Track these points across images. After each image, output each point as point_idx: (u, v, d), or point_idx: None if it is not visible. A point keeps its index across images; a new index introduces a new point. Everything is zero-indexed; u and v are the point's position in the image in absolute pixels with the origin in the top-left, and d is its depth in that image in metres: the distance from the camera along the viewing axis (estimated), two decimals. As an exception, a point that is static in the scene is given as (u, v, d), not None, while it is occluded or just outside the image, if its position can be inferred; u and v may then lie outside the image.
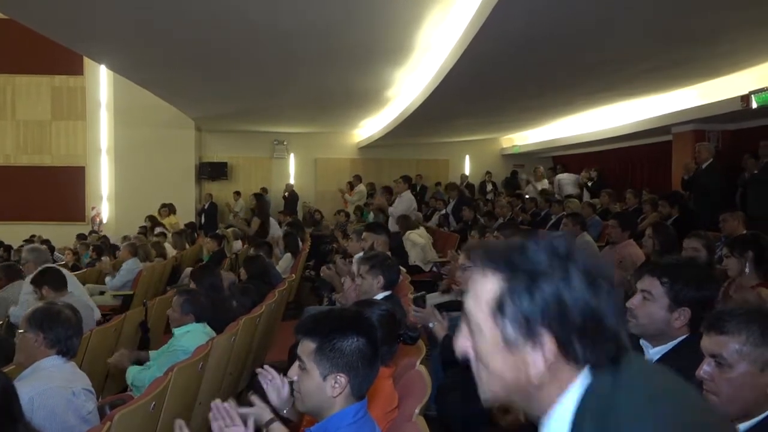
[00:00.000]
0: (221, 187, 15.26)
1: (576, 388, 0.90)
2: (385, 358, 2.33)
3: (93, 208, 14.67)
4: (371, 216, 9.96)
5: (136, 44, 7.81)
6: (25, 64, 14.39)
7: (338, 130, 15.77)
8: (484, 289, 0.93)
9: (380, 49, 7.75)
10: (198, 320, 3.67)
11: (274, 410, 1.97)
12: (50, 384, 2.40)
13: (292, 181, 15.76)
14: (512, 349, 0.91)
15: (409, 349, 2.83)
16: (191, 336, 3.56)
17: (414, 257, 7.58)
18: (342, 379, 1.66)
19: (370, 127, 14.93)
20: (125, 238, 10.22)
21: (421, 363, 2.53)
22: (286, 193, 14.95)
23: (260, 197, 11.83)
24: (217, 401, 1.86)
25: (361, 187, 13.85)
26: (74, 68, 14.49)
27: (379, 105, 11.99)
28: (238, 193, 14.43)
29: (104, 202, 14.73)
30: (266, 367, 2.01)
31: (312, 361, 1.69)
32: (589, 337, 0.88)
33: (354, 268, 3.90)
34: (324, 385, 1.67)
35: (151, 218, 11.81)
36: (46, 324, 2.49)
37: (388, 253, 4.82)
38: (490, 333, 0.92)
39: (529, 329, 0.89)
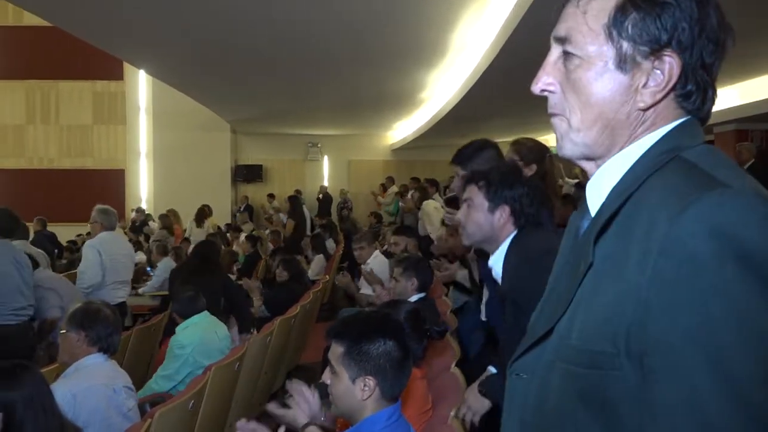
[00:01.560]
0: (256, 189, 15.45)
1: (662, 131, 0.82)
2: (416, 357, 2.33)
3: (133, 210, 15.00)
4: (397, 209, 9.97)
5: (174, 49, 7.96)
6: (68, 70, 14.78)
7: (371, 132, 15.81)
8: (596, 5, 0.82)
9: (414, 51, 7.74)
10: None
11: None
12: (92, 381, 2.45)
13: (326, 182, 15.85)
14: (625, 69, 0.80)
15: (443, 351, 2.82)
16: (190, 331, 3.61)
17: (430, 229, 7.54)
18: (370, 382, 1.66)
19: (403, 128, 14.92)
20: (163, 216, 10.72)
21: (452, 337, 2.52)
22: (320, 195, 15.05)
23: (294, 199, 11.93)
24: (242, 421, 1.89)
25: (394, 189, 13.85)
26: (115, 73, 14.84)
27: (413, 106, 11.98)
28: (272, 196, 14.59)
29: (143, 204, 15.02)
30: (292, 385, 2.02)
31: (341, 364, 1.70)
32: (707, 79, 0.81)
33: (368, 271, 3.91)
34: (353, 389, 1.68)
35: (199, 212, 12.03)
36: (87, 323, 2.55)
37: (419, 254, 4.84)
38: (599, 53, 0.81)
39: (654, 45, 0.79)
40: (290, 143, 15.82)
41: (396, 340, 1.70)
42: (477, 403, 2.05)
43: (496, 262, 1.96)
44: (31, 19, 12.27)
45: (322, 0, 5.97)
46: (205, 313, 3.84)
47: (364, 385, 1.66)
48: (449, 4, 6.07)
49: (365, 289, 5.08)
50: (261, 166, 15.80)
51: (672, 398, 0.68)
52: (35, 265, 4.51)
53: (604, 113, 0.82)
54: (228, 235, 10.59)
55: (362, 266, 5.23)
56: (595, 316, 0.75)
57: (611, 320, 0.73)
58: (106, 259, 4.94)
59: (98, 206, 5.36)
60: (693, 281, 0.68)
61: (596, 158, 0.85)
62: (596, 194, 0.85)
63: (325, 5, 6.07)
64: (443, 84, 9.61)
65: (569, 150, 0.87)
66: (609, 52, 0.81)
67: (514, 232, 1.93)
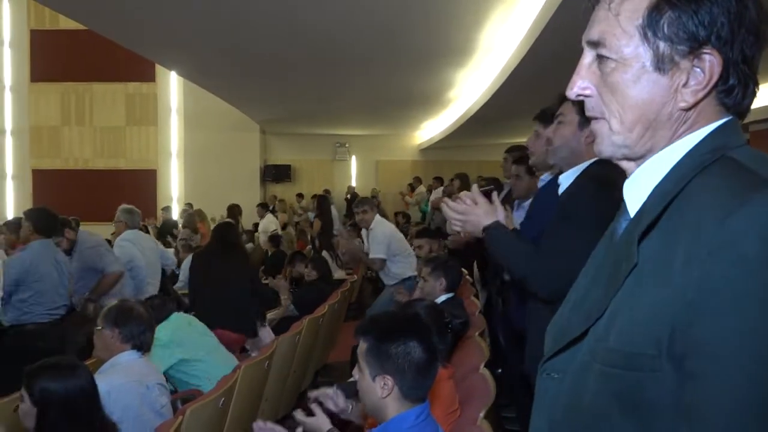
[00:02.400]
0: (285, 189, 15.58)
1: (705, 131, 0.80)
2: (441, 354, 2.33)
3: (163, 210, 15.24)
4: (428, 207, 9.97)
5: (205, 51, 8.07)
6: (102, 72, 15.08)
7: (399, 132, 15.81)
8: (629, 5, 0.81)
9: (442, 51, 7.72)
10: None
11: (332, 418, 2.01)
12: (126, 378, 2.50)
13: (353, 183, 15.91)
14: (664, 69, 0.79)
15: (471, 352, 2.81)
16: (165, 325, 3.62)
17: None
18: (389, 381, 1.67)
19: (431, 128, 14.89)
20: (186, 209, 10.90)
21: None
22: (348, 195, 15.11)
23: (323, 199, 11.98)
24: (259, 422, 1.92)
25: (422, 189, 13.84)
26: (147, 75, 15.09)
27: (441, 106, 11.94)
28: (300, 195, 14.69)
29: (174, 204, 15.26)
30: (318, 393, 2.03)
31: (364, 361, 1.72)
32: (749, 72, 0.79)
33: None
34: (374, 386, 1.69)
35: (230, 211, 12.17)
36: (120, 320, 2.60)
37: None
38: (634, 54, 0.80)
39: (692, 43, 0.77)
40: (318, 143, 15.92)
41: (420, 341, 1.70)
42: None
43: (567, 178, 1.97)
44: (66, 23, 12.57)
45: (351, 1, 5.99)
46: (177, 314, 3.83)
47: (384, 384, 1.67)
48: (477, 4, 6.04)
49: (374, 254, 5.27)
50: (289, 166, 15.93)
51: (712, 402, 0.67)
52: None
53: (645, 115, 0.81)
54: (255, 235, 10.70)
55: (365, 231, 5.42)
56: (636, 317, 0.74)
57: (654, 322, 0.72)
58: (137, 252, 5.12)
59: (123, 206, 5.53)
60: (742, 284, 0.66)
61: (637, 159, 0.84)
62: (635, 194, 0.84)
63: (353, 6, 6.10)
64: (471, 84, 9.56)
65: (609, 151, 0.85)
66: (645, 53, 0.80)
67: (596, 158, 1.90)
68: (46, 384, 1.96)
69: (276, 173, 15.87)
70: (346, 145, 16.13)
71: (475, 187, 2.06)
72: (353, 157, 16.30)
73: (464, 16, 6.37)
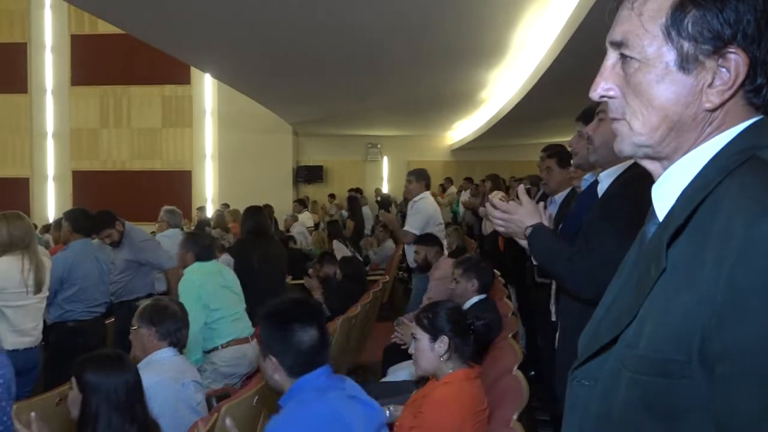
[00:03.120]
0: (316, 189, 15.69)
1: (734, 132, 0.79)
2: (465, 355, 2.33)
3: (198, 210, 15.50)
4: (459, 207, 9.93)
5: (239, 54, 8.18)
6: (139, 75, 15.40)
7: (431, 132, 15.78)
8: (652, 5, 0.79)
9: (474, 50, 7.69)
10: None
11: None
12: (162, 376, 2.55)
13: (385, 183, 15.94)
14: (688, 69, 0.78)
15: (504, 353, 2.79)
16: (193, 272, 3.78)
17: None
18: (273, 360, 1.81)
19: (463, 129, 14.83)
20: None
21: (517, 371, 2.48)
22: (378, 198, 15.16)
23: (353, 200, 12.04)
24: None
25: (453, 189, 13.79)
26: (182, 78, 15.36)
27: (473, 106, 11.89)
28: (333, 196, 14.78)
29: (209, 204, 15.50)
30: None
31: (261, 344, 1.87)
32: None
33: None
34: (267, 366, 1.84)
35: (300, 202, 12.30)
36: (156, 318, 2.65)
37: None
38: (658, 54, 0.78)
39: (717, 42, 0.76)
40: (350, 144, 15.99)
41: (318, 328, 1.84)
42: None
43: (608, 177, 1.97)
44: (105, 28, 12.86)
45: (383, 2, 6.01)
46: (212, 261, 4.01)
47: (271, 364, 1.83)
48: (510, 3, 6.00)
49: (408, 226, 5.19)
50: (321, 167, 16.04)
51: (744, 407, 0.65)
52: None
53: (669, 116, 0.80)
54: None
55: (409, 201, 5.34)
56: (666, 323, 0.73)
57: (684, 327, 0.71)
58: (174, 250, 5.28)
59: (165, 207, 5.72)
60: None
61: (661, 158, 0.83)
62: (663, 198, 0.82)
63: (386, 7, 6.11)
64: (504, 83, 9.50)
65: (630, 150, 0.85)
66: (669, 53, 0.79)
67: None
68: (92, 375, 2.02)
69: (308, 174, 16.00)
70: (378, 146, 16.16)
71: (521, 187, 2.05)
72: (385, 158, 16.32)
73: (497, 15, 6.33)
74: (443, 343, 2.31)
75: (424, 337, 2.33)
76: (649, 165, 0.85)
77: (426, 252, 4.78)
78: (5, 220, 3.49)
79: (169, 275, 4.94)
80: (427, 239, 4.88)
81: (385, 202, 14.92)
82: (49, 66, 15.75)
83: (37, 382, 3.74)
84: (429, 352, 2.31)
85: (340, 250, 7.87)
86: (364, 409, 1.82)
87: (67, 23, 15.63)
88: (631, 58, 0.81)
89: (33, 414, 1.93)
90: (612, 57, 0.84)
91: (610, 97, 0.84)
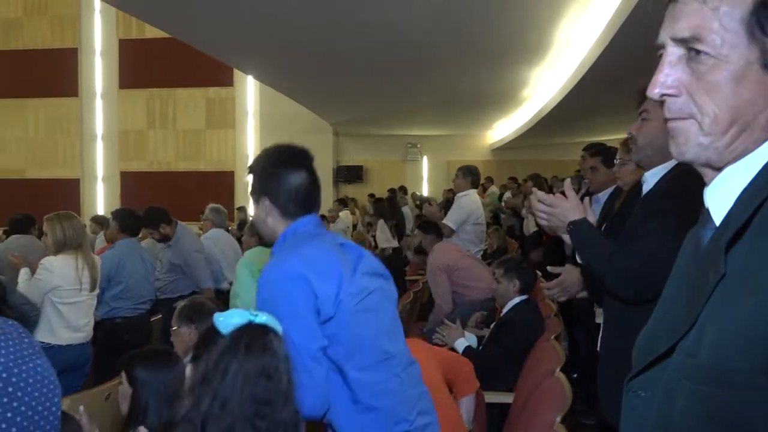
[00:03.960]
0: (356, 189, 15.76)
1: None
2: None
3: (238, 209, 15.76)
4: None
5: (280, 55, 8.28)
6: (184, 78, 15.75)
7: (471, 131, 15.68)
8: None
9: (516, 48, 7.61)
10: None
11: None
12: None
13: (425, 183, 15.91)
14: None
15: (547, 356, 2.76)
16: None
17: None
18: (266, 201, 1.76)
19: (503, 128, 14.69)
20: None
21: (560, 370, 2.45)
22: (417, 203, 15.13)
23: (392, 200, 12.04)
24: None
25: (494, 189, 13.67)
26: (225, 80, 15.64)
27: (514, 105, 11.77)
28: (372, 196, 14.82)
29: (251, 204, 15.74)
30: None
31: (253, 191, 1.82)
32: None
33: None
34: (259, 212, 1.79)
35: (340, 201, 12.40)
36: (195, 317, 2.70)
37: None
38: (738, 52, 0.74)
39: None
40: (390, 144, 16.01)
41: (308, 171, 1.81)
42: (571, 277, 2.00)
43: (653, 177, 1.94)
44: (151, 32, 13.20)
45: (424, 2, 6.00)
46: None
47: (264, 207, 1.77)
48: (554, 1, 5.91)
49: (447, 219, 5.30)
50: (361, 167, 16.11)
51: None
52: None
53: (744, 117, 0.76)
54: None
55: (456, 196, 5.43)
56: (728, 330, 0.69)
57: (746, 335, 0.67)
58: (218, 251, 5.34)
59: (211, 205, 5.79)
60: None
61: (722, 165, 0.79)
62: (719, 201, 0.79)
63: (427, 6, 6.10)
64: (546, 82, 9.37)
65: (694, 154, 0.80)
66: (751, 51, 0.74)
67: None
68: (141, 370, 2.08)
69: (348, 174, 16.08)
70: (418, 146, 16.14)
71: (567, 181, 2.03)
72: (425, 158, 16.29)
73: (540, 12, 6.25)
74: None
75: None
76: (705, 171, 0.81)
77: (423, 238, 4.89)
78: (59, 219, 3.61)
79: (204, 294, 4.78)
80: (426, 227, 4.97)
81: (423, 203, 14.89)
82: (98, 70, 16.23)
83: (87, 378, 3.87)
84: None
85: (383, 231, 7.92)
86: (365, 262, 1.75)
87: (116, 28, 16.09)
88: (705, 54, 0.77)
89: (81, 408, 1.99)
90: (674, 53, 0.80)
91: (671, 95, 0.80)
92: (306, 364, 1.51)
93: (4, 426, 0.73)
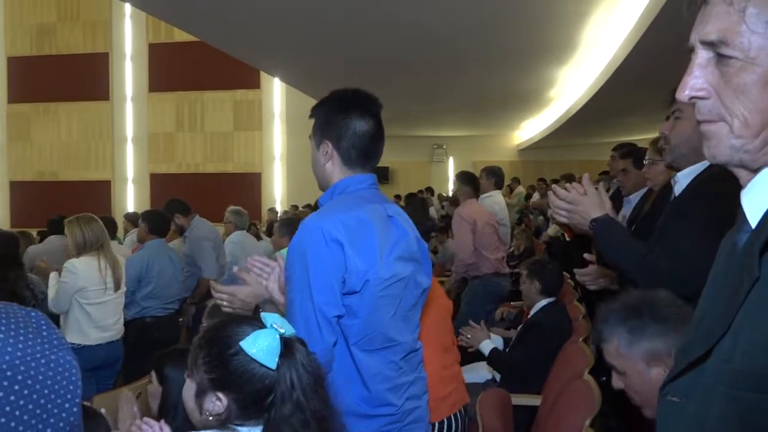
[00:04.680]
0: (382, 190, 15.69)
1: None
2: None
3: (268, 211, 15.89)
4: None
5: (305, 57, 8.34)
6: (212, 81, 15.94)
7: (497, 132, 15.59)
8: (758, 0, 0.74)
9: (544, 47, 7.55)
10: None
11: None
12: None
13: (451, 184, 15.84)
14: None
15: (575, 358, 2.73)
16: None
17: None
18: (328, 145, 1.69)
19: (530, 128, 14.58)
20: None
21: (588, 372, 2.42)
22: (442, 204, 15.11)
23: (423, 201, 12.02)
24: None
25: (521, 190, 13.57)
26: (252, 82, 15.79)
27: (541, 105, 11.67)
28: (398, 197, 14.82)
29: (277, 205, 15.87)
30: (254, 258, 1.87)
31: (312, 135, 1.76)
32: None
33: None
34: (318, 155, 1.72)
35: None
36: (211, 315, 2.74)
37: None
38: (766, 54, 0.74)
39: None
40: (416, 145, 15.99)
41: (375, 121, 1.76)
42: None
43: (685, 177, 1.91)
44: (180, 36, 13.39)
45: (452, 1, 5.98)
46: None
47: (325, 151, 1.70)
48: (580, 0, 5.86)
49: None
50: (387, 168, 16.12)
51: None
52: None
53: None
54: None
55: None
56: (762, 334, 0.68)
57: None
58: (243, 255, 5.35)
59: (231, 207, 5.80)
60: None
61: (757, 167, 0.78)
62: (755, 204, 0.78)
63: (454, 7, 6.08)
64: (573, 81, 9.27)
65: (726, 155, 0.79)
66: None
67: None
68: (171, 369, 2.11)
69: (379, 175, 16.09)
70: (444, 147, 16.11)
71: (586, 176, 1.98)
72: (450, 159, 16.25)
73: (567, 11, 6.19)
74: None
75: None
76: (739, 172, 0.80)
77: (459, 187, 4.91)
78: (78, 223, 3.66)
79: (201, 284, 4.86)
80: (465, 178, 4.94)
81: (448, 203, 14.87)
82: (128, 74, 16.53)
83: (118, 375, 3.94)
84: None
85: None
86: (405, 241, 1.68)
87: (145, 32, 16.36)
88: (732, 57, 0.76)
89: (123, 394, 1.99)
90: (703, 55, 0.79)
91: (701, 98, 0.80)
92: (321, 327, 1.47)
93: (3, 420, 0.74)
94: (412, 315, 1.68)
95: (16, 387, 0.74)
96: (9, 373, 0.74)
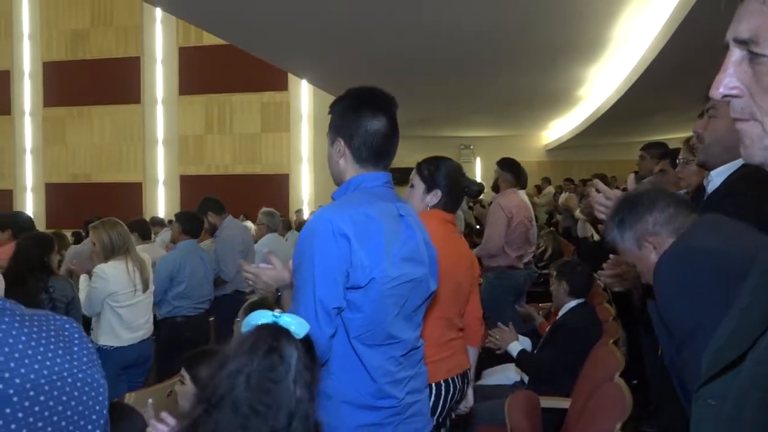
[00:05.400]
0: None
1: None
2: (448, 210, 2.48)
3: (296, 212, 16.01)
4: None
5: (332, 59, 8.38)
6: (240, 83, 16.11)
7: (525, 132, 15.47)
8: None
9: (572, 46, 7.47)
10: None
11: None
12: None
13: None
14: None
15: (605, 360, 2.69)
16: None
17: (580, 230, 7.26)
18: (340, 143, 1.72)
19: (558, 128, 14.43)
20: None
21: (620, 376, 2.39)
22: (469, 204, 15.03)
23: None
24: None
25: (550, 189, 13.45)
26: (280, 84, 15.91)
27: (570, 105, 11.54)
28: (425, 198, 14.82)
29: (305, 206, 15.97)
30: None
31: (329, 131, 1.79)
32: None
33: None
34: (332, 152, 1.76)
35: None
36: (246, 312, 2.77)
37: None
38: None
39: None
40: (442, 146, 15.92)
41: (389, 119, 1.78)
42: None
43: (719, 176, 1.89)
44: (209, 39, 13.56)
45: (480, 3, 5.95)
46: None
47: (338, 149, 1.75)
48: (610, -4, 5.78)
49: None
50: (413, 169, 16.09)
51: None
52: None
53: None
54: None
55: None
56: None
57: None
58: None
59: (264, 209, 5.85)
60: None
61: None
62: None
63: (482, 8, 6.05)
64: (603, 80, 9.15)
65: (761, 157, 0.78)
66: None
67: None
68: (205, 370, 2.13)
69: (400, 177, 15.71)
70: (471, 147, 16.04)
71: (631, 176, 1.97)
72: (478, 159, 16.16)
73: (597, 9, 6.12)
74: (435, 196, 2.47)
75: (420, 187, 2.54)
76: None
77: (501, 175, 4.80)
78: (103, 227, 3.70)
79: (217, 281, 4.84)
80: (507, 165, 4.82)
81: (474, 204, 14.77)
82: (159, 77, 16.79)
83: (149, 374, 4.00)
84: (420, 201, 2.49)
85: None
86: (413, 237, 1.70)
87: (176, 36, 16.61)
88: (763, 56, 0.75)
89: (150, 401, 2.04)
90: (736, 53, 0.78)
91: (734, 96, 0.78)
92: (319, 317, 1.49)
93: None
94: (416, 315, 1.71)
95: (36, 408, 0.73)
96: (32, 393, 0.73)
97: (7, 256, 3.55)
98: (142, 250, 4.26)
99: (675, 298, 1.40)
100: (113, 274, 3.67)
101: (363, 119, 1.72)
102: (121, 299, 3.70)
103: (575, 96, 10.66)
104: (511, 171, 4.81)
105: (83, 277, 3.89)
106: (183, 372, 2.20)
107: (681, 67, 6.81)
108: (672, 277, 1.41)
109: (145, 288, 3.82)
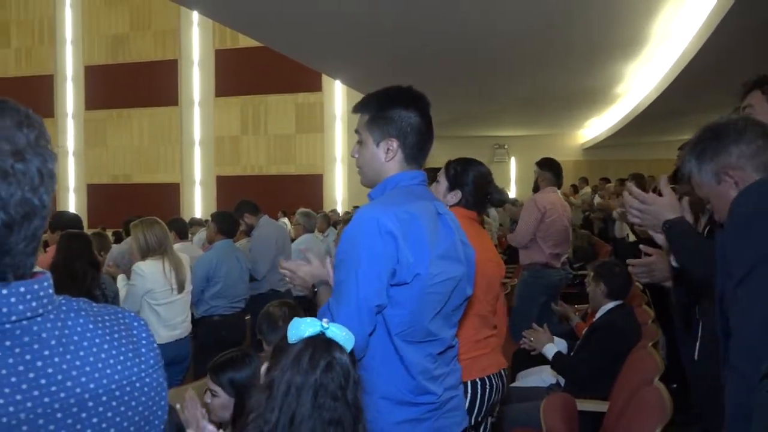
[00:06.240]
0: (443, 191, 15.72)
1: None
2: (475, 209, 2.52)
3: (330, 212, 16.09)
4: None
5: (366, 59, 8.40)
6: (274, 84, 16.29)
7: (561, 131, 15.25)
8: None
9: (610, 43, 7.34)
10: None
11: None
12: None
13: (512, 185, 15.64)
14: None
15: (644, 364, 2.64)
16: None
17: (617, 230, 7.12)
18: (393, 143, 1.69)
19: (596, 126, 14.20)
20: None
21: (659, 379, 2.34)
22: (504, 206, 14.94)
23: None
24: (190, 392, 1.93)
25: (587, 189, 13.23)
26: (314, 85, 16.04)
27: (607, 103, 11.35)
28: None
29: (338, 206, 16.06)
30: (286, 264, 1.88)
31: (366, 130, 1.74)
32: None
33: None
34: (377, 152, 1.71)
35: None
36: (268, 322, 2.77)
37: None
38: None
39: None
40: (476, 145, 15.82)
41: (417, 109, 1.75)
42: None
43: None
44: (245, 42, 13.75)
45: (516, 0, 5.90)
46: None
47: (388, 148, 1.70)
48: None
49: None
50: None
51: None
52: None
53: None
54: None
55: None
56: None
57: None
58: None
59: (301, 210, 5.90)
60: None
61: None
62: None
63: (518, 4, 5.99)
64: (642, 77, 8.97)
65: None
66: None
67: None
68: (232, 375, 2.14)
69: (434, 177, 15.95)
70: (505, 147, 15.89)
71: (663, 178, 1.91)
72: (512, 159, 16.01)
73: (636, 4, 5.99)
74: (456, 196, 2.50)
75: (443, 184, 2.58)
76: None
77: (540, 174, 4.78)
78: (141, 227, 3.76)
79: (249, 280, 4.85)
80: (549, 164, 4.80)
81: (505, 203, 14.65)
82: (196, 79, 17.09)
83: (187, 372, 4.07)
84: (441, 197, 2.47)
85: None
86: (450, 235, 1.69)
87: (212, 39, 16.88)
88: None
89: (188, 394, 2.04)
90: None
91: None
92: (361, 314, 1.49)
93: None
94: (454, 315, 1.71)
95: (109, 414, 0.74)
96: (104, 398, 0.74)
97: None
98: (180, 248, 4.33)
99: (752, 221, 1.32)
100: (150, 271, 3.73)
101: (411, 118, 1.72)
102: (158, 297, 3.76)
103: (613, 94, 10.47)
104: (551, 170, 4.77)
105: (121, 277, 3.97)
106: (212, 385, 2.18)
107: (722, 64, 6.63)
108: (750, 204, 1.34)
109: (181, 289, 3.87)
